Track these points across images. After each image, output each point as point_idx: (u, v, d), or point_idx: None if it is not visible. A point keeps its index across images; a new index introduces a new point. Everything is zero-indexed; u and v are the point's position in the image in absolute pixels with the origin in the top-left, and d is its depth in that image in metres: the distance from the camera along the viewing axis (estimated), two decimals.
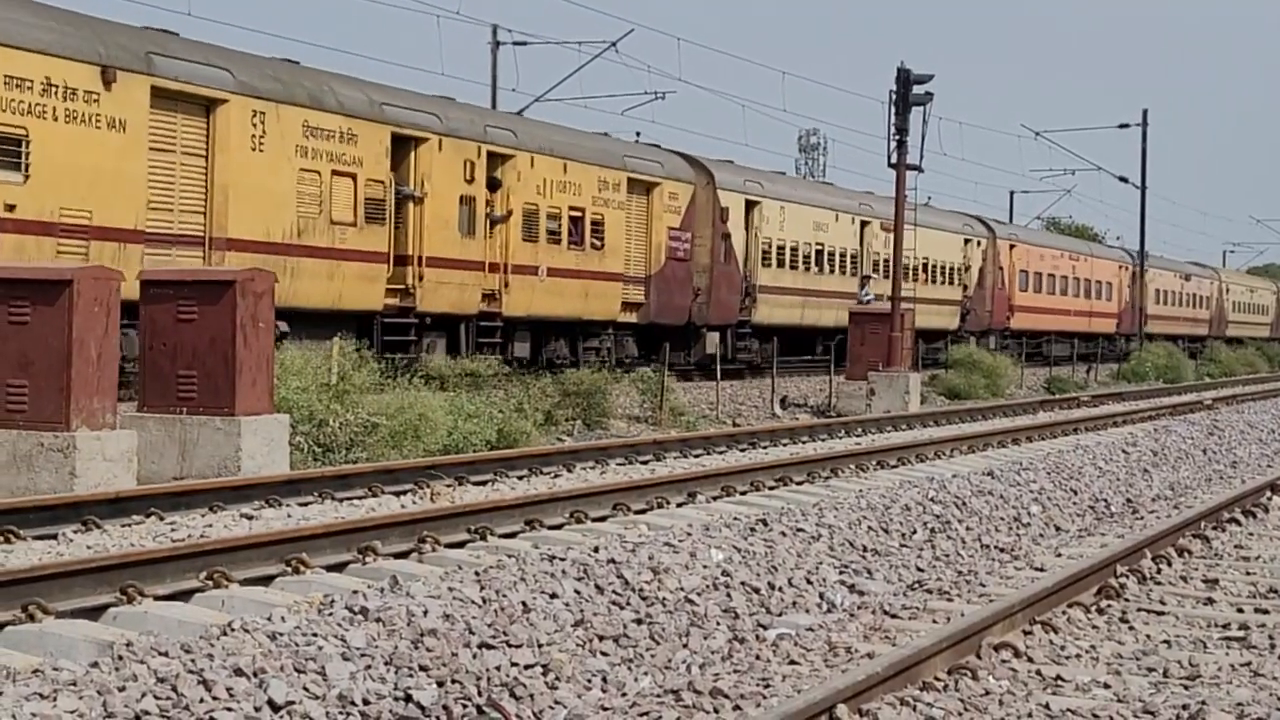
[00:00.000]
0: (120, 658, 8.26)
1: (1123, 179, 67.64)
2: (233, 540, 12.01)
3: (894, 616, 10.91)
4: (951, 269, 56.84)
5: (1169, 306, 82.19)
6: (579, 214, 36.02)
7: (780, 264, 45.50)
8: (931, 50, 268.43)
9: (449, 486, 17.20)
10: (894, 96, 35.91)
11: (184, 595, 10.83)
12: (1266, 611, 11.17)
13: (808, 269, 46.98)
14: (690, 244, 40.87)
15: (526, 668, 8.76)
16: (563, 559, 11.27)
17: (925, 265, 53.88)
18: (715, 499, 17.40)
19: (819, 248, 47.78)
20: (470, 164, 32.16)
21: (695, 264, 41.09)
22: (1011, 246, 62.25)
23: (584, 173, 36.25)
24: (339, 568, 12.19)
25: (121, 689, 7.73)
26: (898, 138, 36.17)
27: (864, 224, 50.49)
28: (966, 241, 58.52)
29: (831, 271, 48.35)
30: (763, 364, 40.96)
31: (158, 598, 10.55)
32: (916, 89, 35.80)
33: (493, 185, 32.95)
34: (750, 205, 43.96)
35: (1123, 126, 67.39)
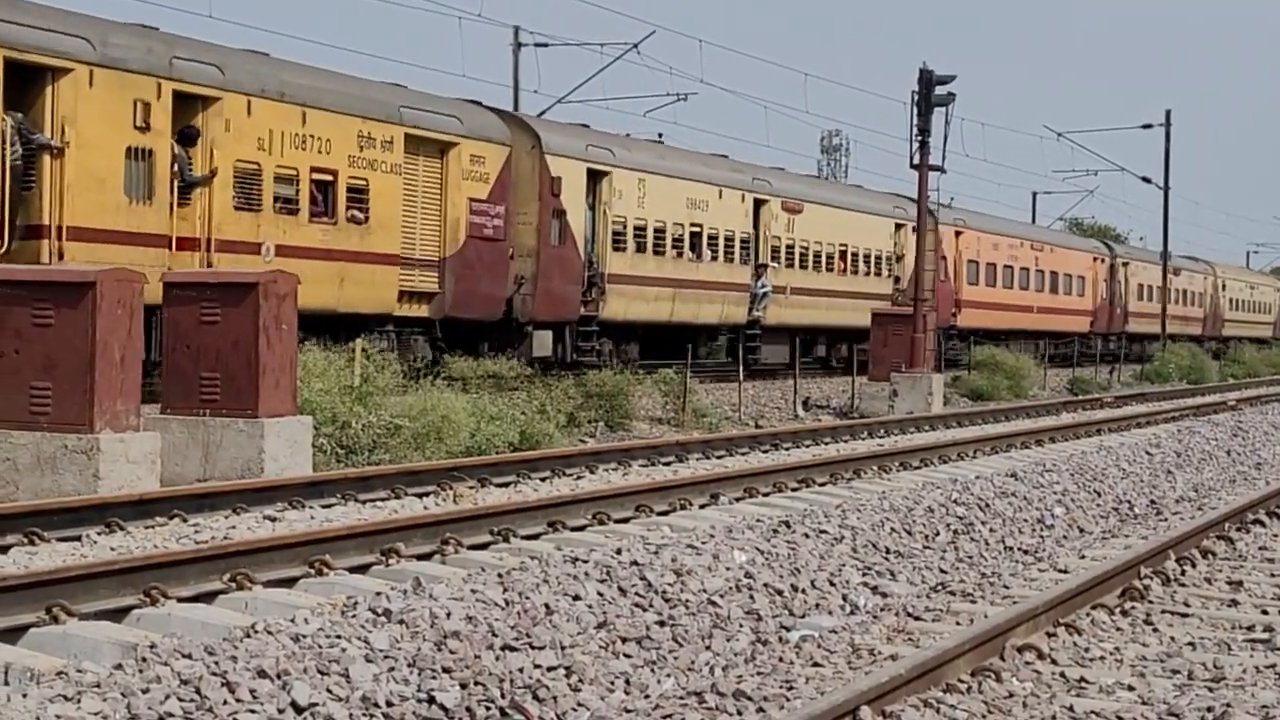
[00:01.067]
0: (144, 660, 8.27)
1: (1146, 179, 67.58)
2: (256, 542, 12.03)
3: (917, 618, 10.89)
4: (878, 258, 49.29)
5: (1155, 304, 73.28)
6: (328, 178, 28.04)
7: (640, 249, 37.44)
8: (954, 51, 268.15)
9: (471, 488, 17.20)
10: (916, 97, 35.88)
11: (207, 597, 10.84)
12: None
13: (680, 255, 38.98)
14: (504, 220, 32.64)
15: (549, 670, 8.75)
16: (585, 561, 11.27)
17: (843, 253, 47.08)
18: (738, 500, 17.38)
19: (695, 230, 39.67)
20: (144, 105, 24.38)
21: (515, 245, 33.20)
22: (958, 233, 54.16)
23: (335, 125, 28.13)
24: (362, 569, 12.20)
25: (145, 691, 7.74)
26: (920, 139, 36.15)
27: (759, 203, 42.84)
28: (899, 226, 50.15)
29: (715, 259, 40.43)
30: (621, 366, 32.13)
31: (181, 599, 10.56)
32: (939, 90, 35.77)
33: (188, 137, 25.49)
34: (595, 176, 35.99)
35: (1145, 127, 67.28)
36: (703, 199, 39.96)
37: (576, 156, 35.26)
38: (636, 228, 37.40)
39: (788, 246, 43.85)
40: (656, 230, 38.04)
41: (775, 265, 42.81)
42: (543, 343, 33.99)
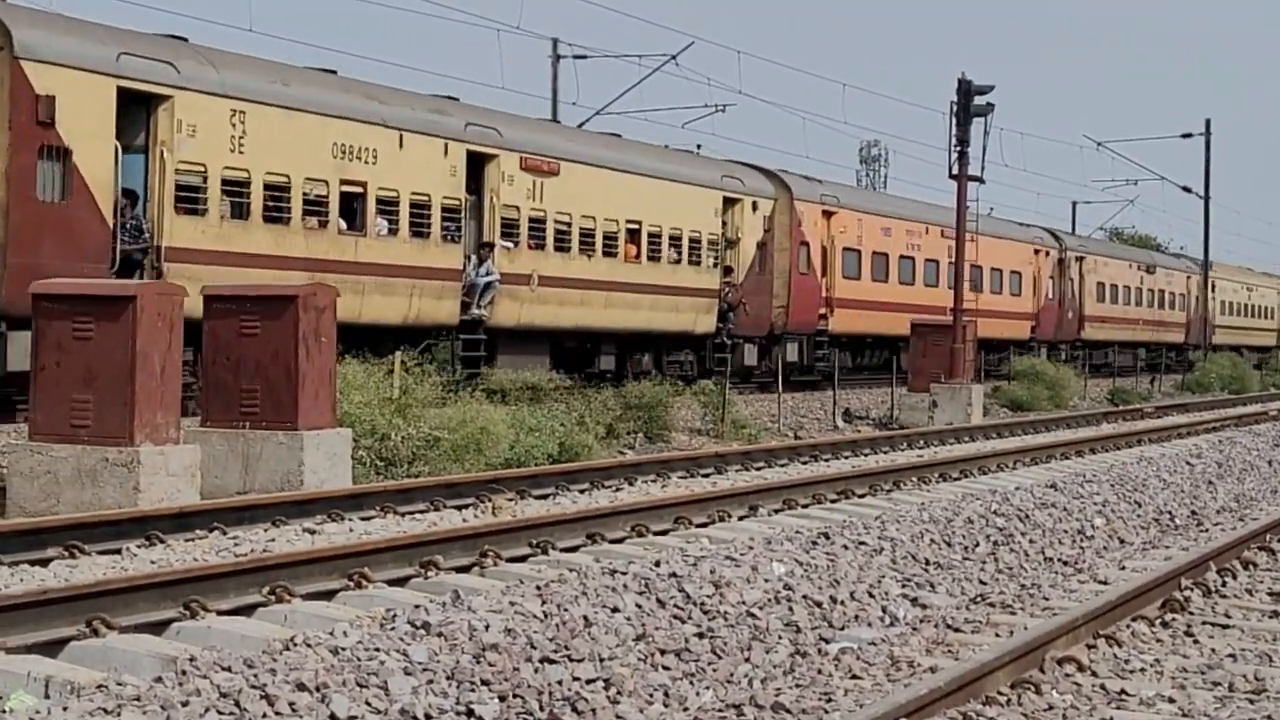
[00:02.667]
0: (184, 672, 8.30)
1: (1186, 189, 67.33)
2: (295, 555, 12.06)
3: (956, 630, 10.86)
4: (697, 242, 37.14)
5: (1120, 306, 65.26)
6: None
7: (237, 213, 25.14)
8: (993, 60, 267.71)
9: (510, 500, 17.22)
10: (955, 107, 35.86)
11: (247, 610, 10.88)
12: None
13: (320, 225, 26.71)
14: None
15: (588, 682, 8.75)
16: (624, 573, 11.27)
17: (634, 233, 35.23)
18: (777, 512, 17.37)
19: (351, 191, 27.45)
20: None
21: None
22: (828, 213, 42.89)
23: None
24: (401, 582, 12.22)
25: (185, 704, 7.76)
26: (958, 149, 36.12)
27: (478, 158, 30.43)
28: (731, 202, 38.90)
29: (393, 233, 28.18)
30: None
31: (221, 613, 10.60)
32: (977, 100, 35.75)
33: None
34: (135, 99, 23.60)
35: (1185, 136, 67.10)
36: (366, 146, 27.64)
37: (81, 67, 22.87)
38: (230, 183, 24.96)
39: (534, 221, 31.80)
40: (271, 188, 25.70)
41: (510, 245, 31.10)
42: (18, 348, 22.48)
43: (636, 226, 35.18)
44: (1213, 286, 75.52)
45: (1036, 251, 57.84)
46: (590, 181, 33.44)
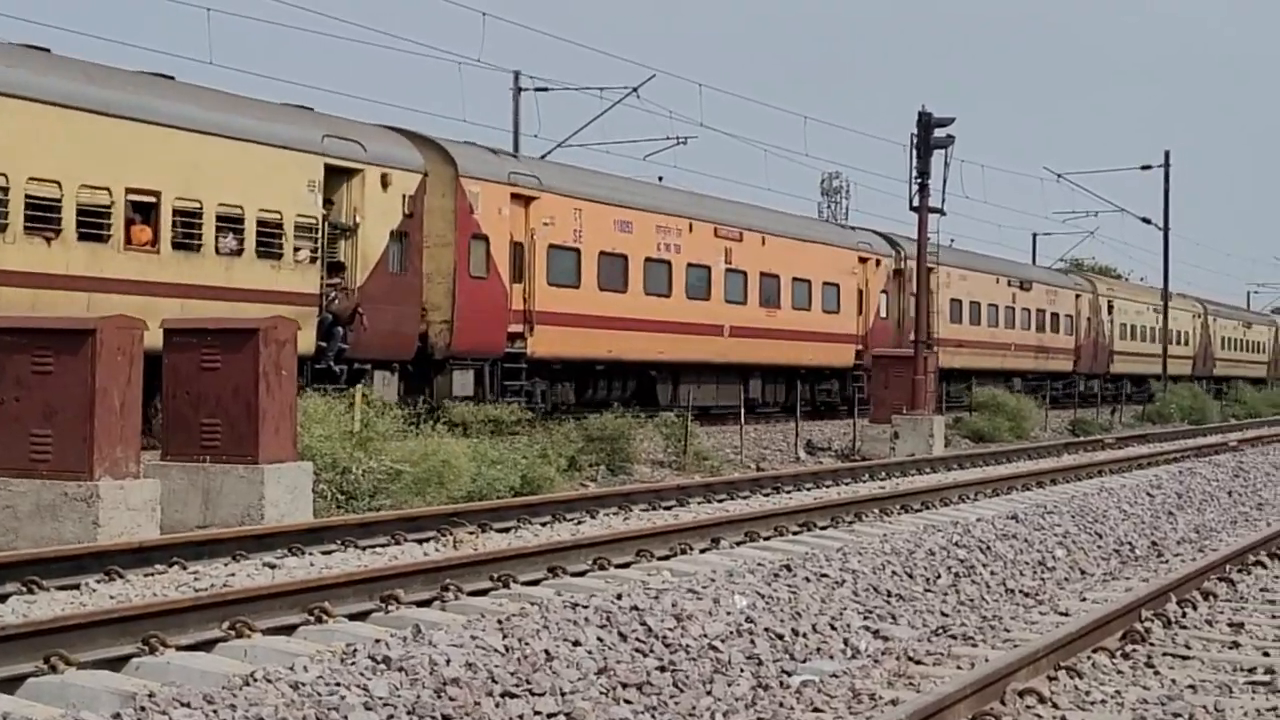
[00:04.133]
0: (143, 709, 8.25)
1: (1145, 220, 67.56)
2: (255, 590, 12.01)
3: (918, 662, 10.86)
4: (283, 229, 26.86)
5: (988, 329, 56.07)
6: None
7: None
8: (953, 93, 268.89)
9: (472, 534, 17.19)
10: (915, 139, 36.00)
11: (207, 645, 10.82)
12: None
13: None
14: None
15: (550, 716, 8.74)
16: (586, 606, 11.26)
17: (161, 211, 24.76)
18: (739, 544, 17.36)
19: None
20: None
21: None
22: (523, 199, 32.96)
23: None
24: (362, 616, 12.18)
25: None
26: (919, 181, 36.26)
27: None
28: (342, 173, 28.44)
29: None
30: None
31: (180, 648, 10.54)
32: (938, 132, 35.90)
33: None
34: None
35: (1145, 168, 67.25)
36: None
37: None
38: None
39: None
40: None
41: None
42: None
43: (153, 199, 24.88)
44: (1110, 307, 69.16)
45: (863, 260, 47.85)
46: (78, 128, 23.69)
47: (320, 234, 27.65)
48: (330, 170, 27.87)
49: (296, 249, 26.94)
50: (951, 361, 50.05)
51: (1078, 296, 65.77)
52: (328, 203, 28.01)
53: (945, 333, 50.03)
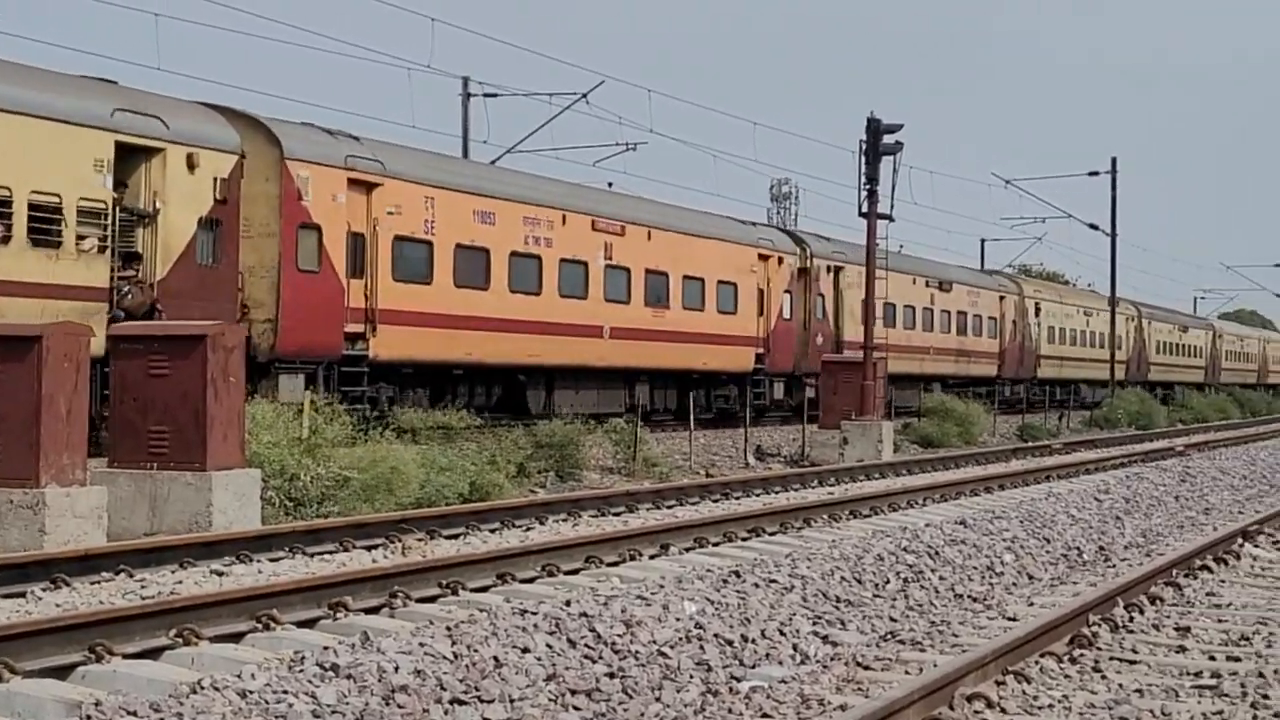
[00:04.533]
0: (88, 717, 8.21)
1: (1093, 226, 67.86)
2: (203, 597, 11.96)
3: (867, 668, 10.88)
4: (62, 214, 23.47)
5: (904, 331, 52.48)
6: None
7: None
8: (903, 100, 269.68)
9: (420, 540, 17.15)
10: (864, 146, 36.07)
11: (154, 653, 10.76)
12: (1238, 659, 11.17)
13: None
14: None
15: None
16: (534, 613, 11.24)
17: None
18: (688, 550, 17.36)
19: None
20: None
21: None
22: (365, 185, 29.63)
23: None
24: (310, 624, 12.13)
25: None
26: (868, 187, 36.32)
27: None
28: (136, 153, 24.97)
29: None
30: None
31: (127, 656, 10.48)
32: (886, 138, 35.97)
33: None
34: None
35: (1092, 174, 67.58)
36: None
37: None
38: None
39: None
40: None
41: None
42: None
43: None
44: (1036, 309, 66.26)
45: (764, 257, 44.39)
46: None
47: (111, 220, 24.20)
48: (124, 149, 24.45)
49: (81, 237, 23.59)
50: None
51: (1002, 298, 62.99)
52: (121, 185, 24.71)
53: (856, 336, 44.76)
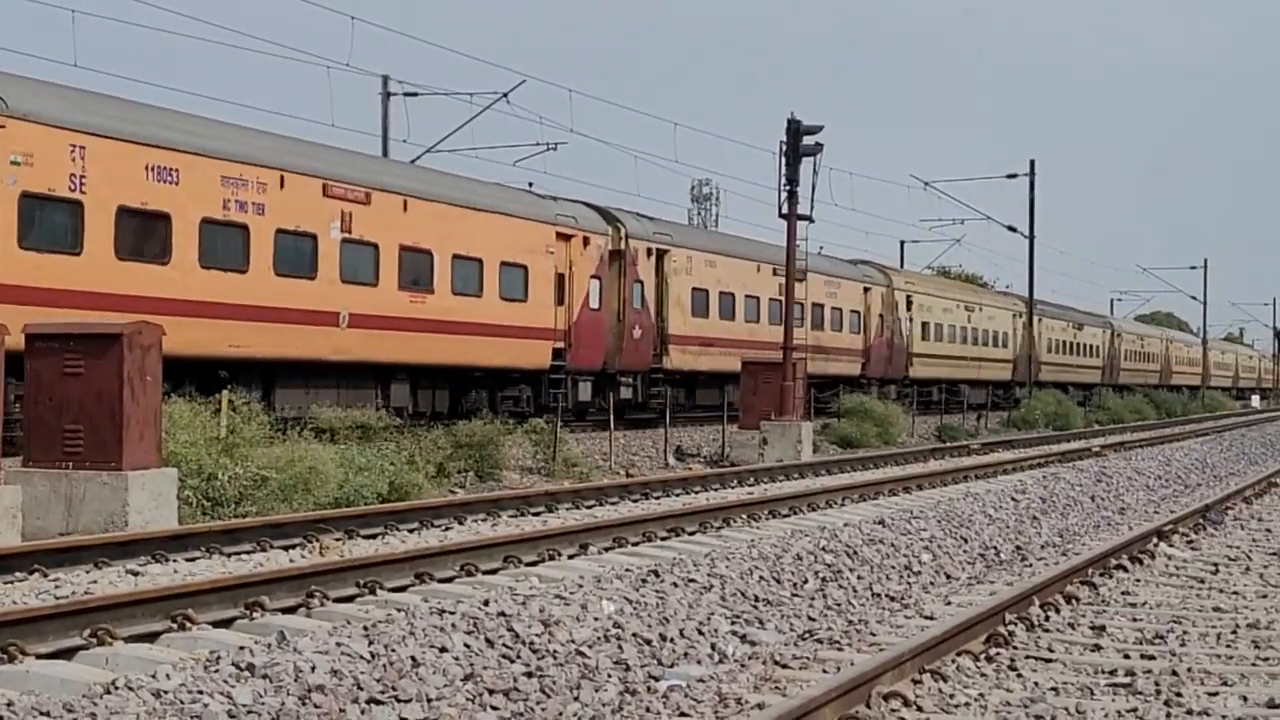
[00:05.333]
0: (1, 718, 8.12)
1: (1011, 228, 68.21)
2: (117, 597, 11.86)
3: (785, 666, 10.90)
4: None
5: (745, 324, 47.25)
6: None
7: None
8: (823, 102, 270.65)
9: (338, 540, 17.08)
10: (784, 147, 36.17)
11: (67, 653, 10.68)
12: (1153, 658, 11.26)
13: None
14: None
15: None
16: (452, 612, 11.21)
17: None
18: (607, 550, 17.36)
19: None
20: None
21: None
22: (79, 146, 24.65)
23: None
24: (226, 624, 12.07)
25: None
26: (788, 188, 36.42)
27: None
28: None
29: None
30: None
31: (40, 656, 10.40)
32: (806, 139, 36.09)
33: None
34: None
35: (1011, 177, 67.88)
36: None
37: None
38: None
39: None
40: None
41: None
42: None
43: None
44: (909, 303, 60.83)
45: (565, 237, 38.03)
46: None
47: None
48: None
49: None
50: (695, 363, 44.43)
51: (867, 289, 57.33)
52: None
53: (683, 328, 43.50)
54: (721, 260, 46.56)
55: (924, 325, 62.44)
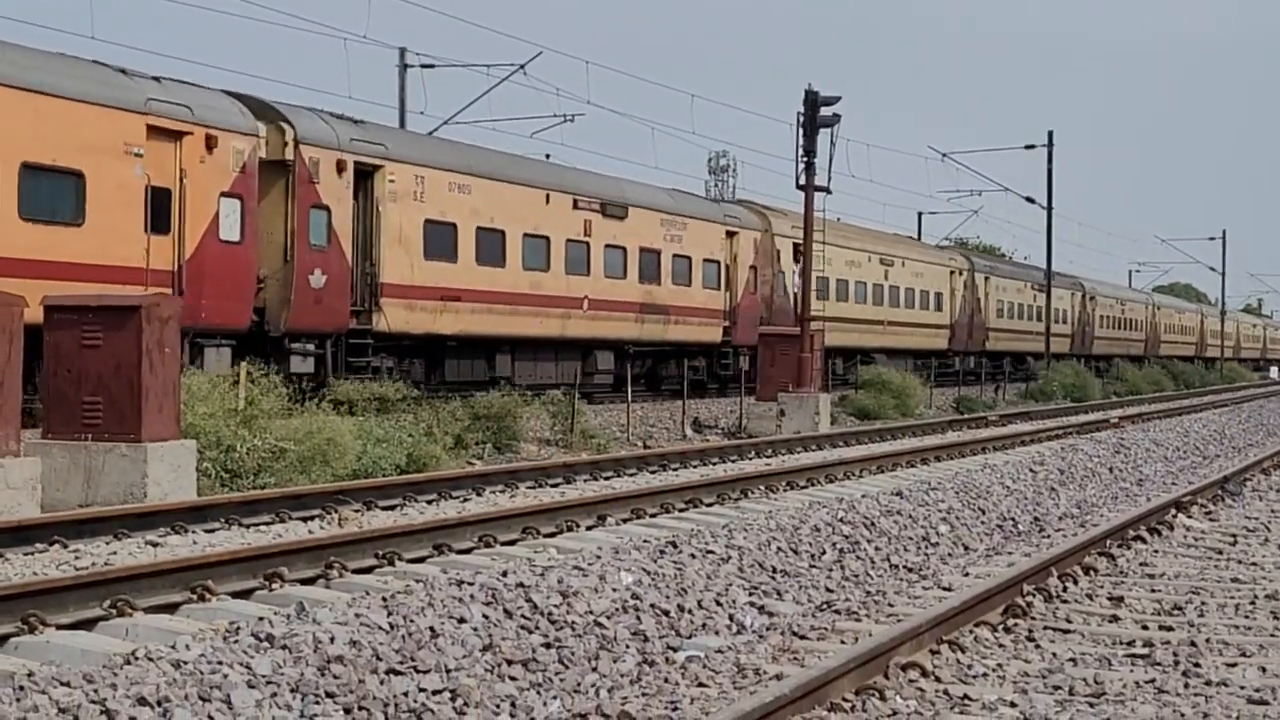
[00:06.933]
0: (21, 688, 8.15)
1: (1029, 199, 68.07)
2: (137, 568, 11.90)
3: (803, 637, 10.92)
4: None
5: (525, 273, 35.90)
6: None
7: None
8: (840, 73, 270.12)
9: (357, 511, 17.11)
10: (801, 118, 36.10)
11: (87, 624, 10.73)
12: (1170, 629, 11.25)
13: None
14: None
15: (434, 694, 8.71)
16: (471, 583, 11.22)
17: None
18: (625, 522, 17.38)
19: None
20: None
21: None
22: None
23: None
24: (245, 594, 12.11)
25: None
26: (805, 160, 36.37)
27: None
28: None
29: None
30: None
31: (60, 627, 10.44)
32: (824, 111, 36.02)
33: None
34: None
35: (1029, 148, 67.72)
36: None
37: None
38: None
39: None
40: None
41: None
42: None
43: None
44: (796, 253, 46.00)
45: (167, 134, 25.69)
46: None
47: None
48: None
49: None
50: (433, 324, 32.86)
51: (731, 235, 46.04)
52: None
53: (409, 277, 31.93)
54: (480, 184, 34.40)
55: (823, 281, 48.93)
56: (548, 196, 37.12)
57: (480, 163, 35.11)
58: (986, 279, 68.36)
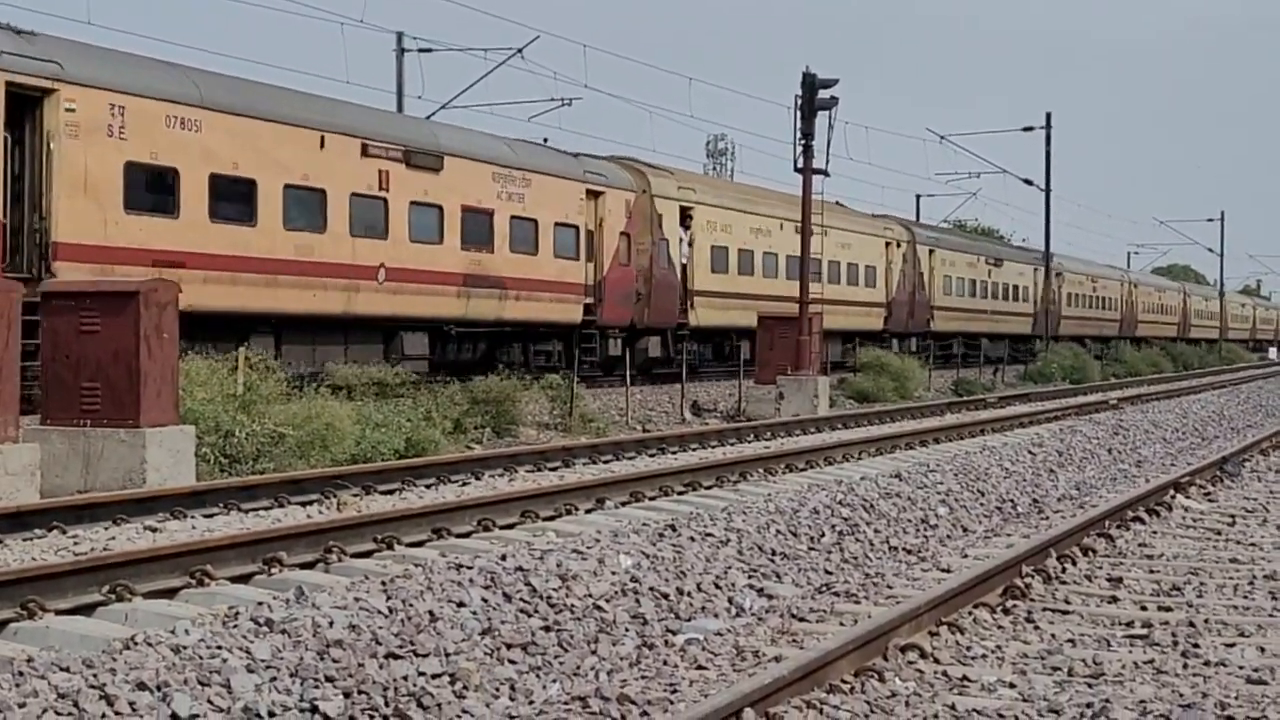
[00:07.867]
0: (20, 674, 8.16)
1: (1028, 181, 68.03)
2: (136, 553, 11.90)
3: (802, 620, 10.92)
4: None
5: (261, 227, 27.81)
6: None
7: None
8: (838, 56, 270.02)
9: (355, 496, 17.12)
10: (799, 101, 36.05)
11: (86, 609, 10.73)
12: (1169, 609, 11.26)
13: None
14: None
15: (434, 677, 8.71)
16: (470, 567, 11.23)
17: None
18: (624, 505, 17.39)
19: None
20: None
21: None
22: None
23: None
24: (244, 579, 12.11)
25: (22, 705, 7.63)
26: (803, 142, 36.31)
27: None
28: None
29: None
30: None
31: (59, 612, 10.44)
32: (822, 93, 35.96)
33: None
34: None
35: (1027, 130, 67.69)
36: None
37: None
38: None
39: None
40: None
41: None
42: None
43: None
44: (685, 218, 42.90)
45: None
46: None
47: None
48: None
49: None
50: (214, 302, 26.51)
51: (596, 195, 38.97)
52: None
53: (97, 235, 24.53)
54: (216, 119, 26.82)
55: (712, 251, 44.48)
56: (322, 139, 29.56)
57: (217, 93, 27.37)
58: (931, 252, 61.97)
